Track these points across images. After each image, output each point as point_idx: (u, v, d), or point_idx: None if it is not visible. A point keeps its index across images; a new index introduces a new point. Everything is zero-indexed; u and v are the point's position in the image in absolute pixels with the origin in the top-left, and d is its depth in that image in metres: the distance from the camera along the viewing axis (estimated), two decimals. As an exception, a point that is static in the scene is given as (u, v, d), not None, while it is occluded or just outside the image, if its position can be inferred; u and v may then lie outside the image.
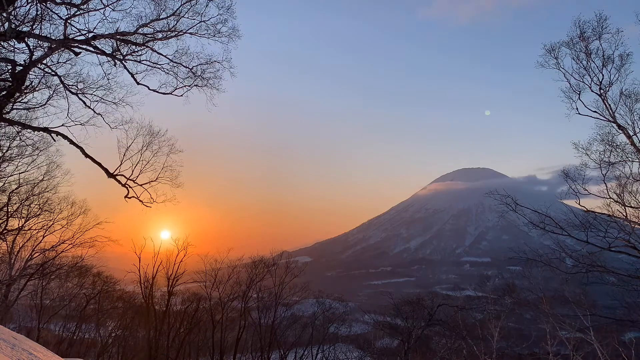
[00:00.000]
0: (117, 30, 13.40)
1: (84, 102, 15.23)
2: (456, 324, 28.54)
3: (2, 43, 12.34)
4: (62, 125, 15.03)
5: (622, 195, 16.11)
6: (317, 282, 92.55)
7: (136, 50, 14.35)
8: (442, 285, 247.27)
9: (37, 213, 26.58)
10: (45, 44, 12.91)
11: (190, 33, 14.49)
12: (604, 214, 16.47)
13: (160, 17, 13.87)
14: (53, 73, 14.34)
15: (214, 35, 14.65)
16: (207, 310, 37.40)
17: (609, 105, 15.81)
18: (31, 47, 12.75)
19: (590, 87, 16.03)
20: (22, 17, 12.56)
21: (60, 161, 26.01)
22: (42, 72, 14.59)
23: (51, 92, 15.37)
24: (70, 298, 38.53)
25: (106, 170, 15.35)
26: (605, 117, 16.00)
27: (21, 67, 12.74)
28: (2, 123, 15.96)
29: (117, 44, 13.96)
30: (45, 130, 14.42)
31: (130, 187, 16.13)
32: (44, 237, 28.09)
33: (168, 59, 14.77)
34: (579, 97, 16.32)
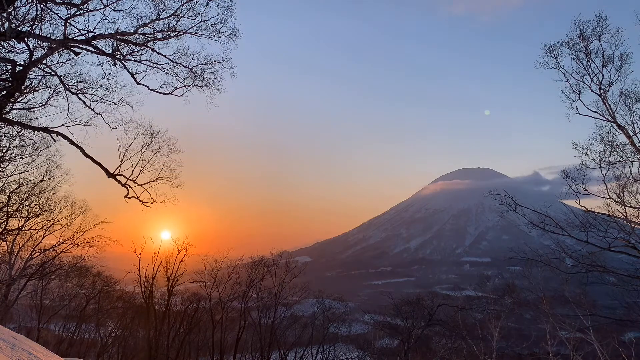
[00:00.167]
0: (117, 30, 13.40)
1: (84, 102, 15.23)
2: (456, 324, 28.55)
3: (2, 43, 12.33)
4: (62, 125, 15.03)
5: (622, 195, 16.10)
6: (317, 282, 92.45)
7: (136, 50, 14.35)
8: (442, 285, 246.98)
9: (37, 213, 26.60)
10: (45, 44, 12.90)
11: (190, 33, 14.50)
12: (604, 214, 16.46)
13: (160, 17, 13.88)
14: (53, 73, 14.34)
15: (214, 35, 14.66)
16: (207, 310, 37.41)
17: (609, 105, 15.81)
18: (31, 47, 12.74)
19: (590, 87, 16.02)
20: (22, 17, 12.55)
21: (60, 161, 26.11)
22: (42, 72, 14.60)
23: (51, 92, 15.38)
24: (70, 298, 38.56)
25: (106, 170, 15.33)
26: (605, 117, 15.99)
27: (21, 67, 12.73)
28: (2, 123, 15.96)
29: (117, 44, 13.96)
30: (45, 130, 14.40)
31: (130, 187, 16.11)
32: (44, 237, 28.16)
33: (168, 59, 14.78)
34: (579, 97, 16.31)
